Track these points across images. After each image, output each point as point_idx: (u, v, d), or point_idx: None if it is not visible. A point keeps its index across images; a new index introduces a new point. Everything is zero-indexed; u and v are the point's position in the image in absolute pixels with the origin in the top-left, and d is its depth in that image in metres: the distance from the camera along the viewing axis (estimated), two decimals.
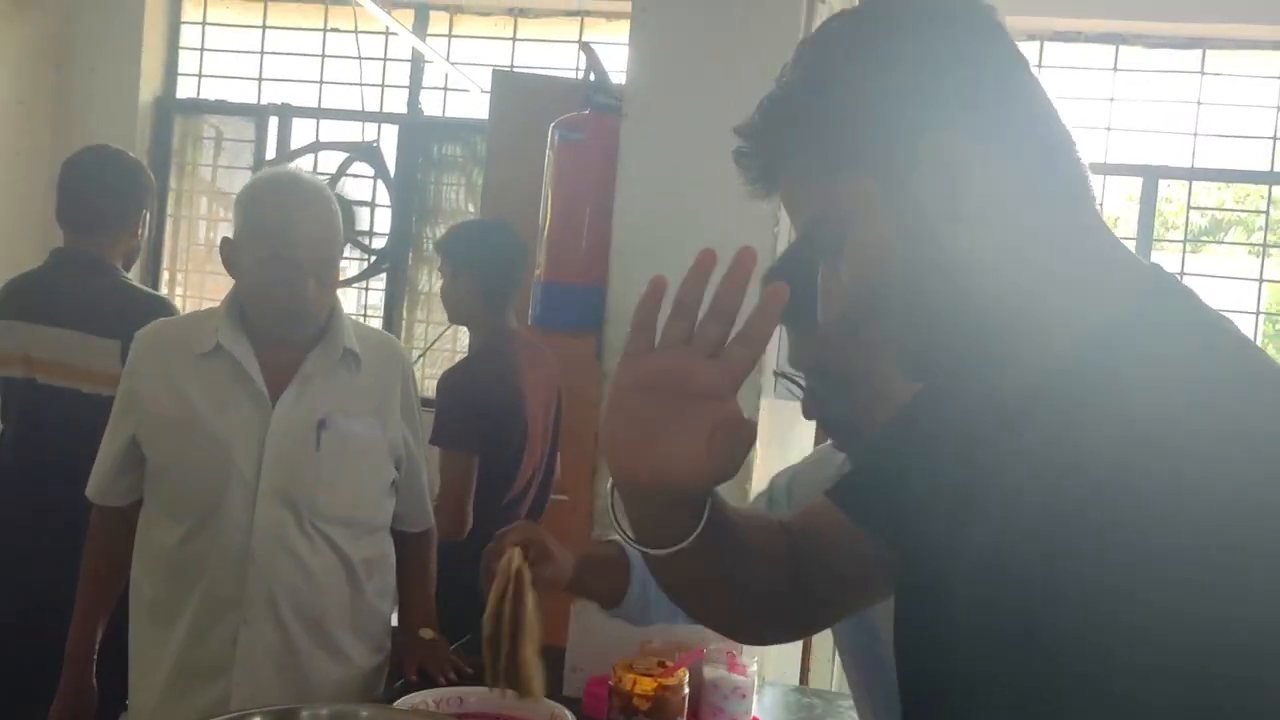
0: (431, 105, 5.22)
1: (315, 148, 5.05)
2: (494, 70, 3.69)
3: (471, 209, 5.06)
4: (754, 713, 2.00)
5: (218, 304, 2.21)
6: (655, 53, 2.22)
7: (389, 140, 5.12)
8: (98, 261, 2.74)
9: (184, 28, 5.35)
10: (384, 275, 5.16)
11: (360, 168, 5.08)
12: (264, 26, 5.30)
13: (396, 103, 5.22)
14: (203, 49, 5.36)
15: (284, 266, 2.05)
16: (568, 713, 1.75)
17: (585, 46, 2.60)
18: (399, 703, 1.88)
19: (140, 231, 2.85)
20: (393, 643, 2.27)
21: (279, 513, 2.07)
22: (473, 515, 2.85)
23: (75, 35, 5.21)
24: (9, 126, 5.05)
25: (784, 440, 2.49)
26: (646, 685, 1.77)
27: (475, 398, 2.89)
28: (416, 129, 5.16)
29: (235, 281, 2.15)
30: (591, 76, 2.46)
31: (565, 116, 2.39)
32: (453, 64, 4.87)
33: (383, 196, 5.12)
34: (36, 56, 5.12)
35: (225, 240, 2.15)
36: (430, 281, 5.14)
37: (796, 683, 2.78)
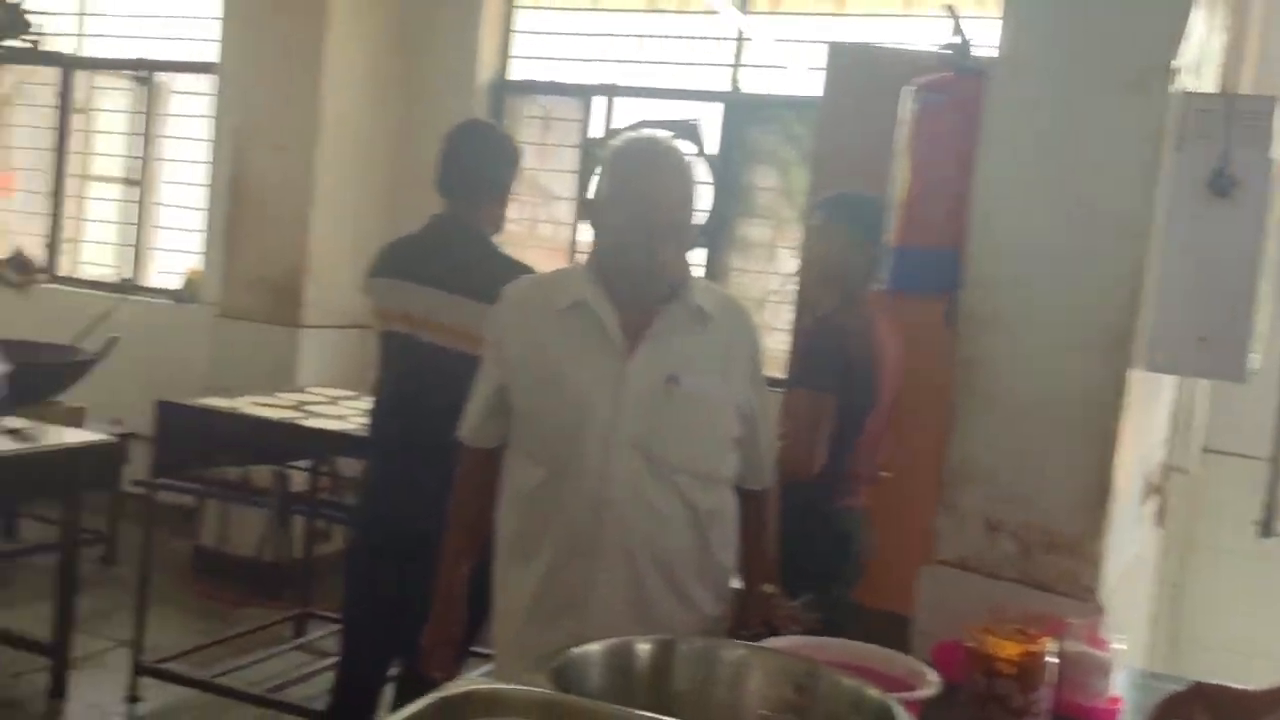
0: (752, 83, 5.26)
1: (637, 126, 5.19)
2: (831, 44, 3.69)
3: (787, 184, 5.08)
4: (1114, 691, 1.93)
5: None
6: (1030, 8, 2.16)
7: (711, 118, 5.20)
8: (470, 226, 2.93)
9: (517, 12, 5.62)
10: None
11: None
12: (592, 9, 5.49)
13: (719, 81, 5.30)
14: (533, 32, 5.61)
15: (643, 228, 2.14)
16: (926, 668, 1.74)
17: (950, 9, 2.57)
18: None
19: (496, 203, 3.01)
20: (735, 596, 2.32)
21: (634, 461, 2.15)
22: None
23: (420, 20, 5.57)
24: (362, 107, 5.46)
25: (1148, 411, 2.38)
26: (1011, 649, 1.73)
27: (839, 345, 2.93)
28: (737, 106, 5.22)
29: (596, 240, 2.25)
30: (958, 39, 2.44)
31: (927, 79, 2.37)
32: (776, 41, 4.91)
33: (702, 174, 5.21)
34: (386, 41, 5.51)
35: (588, 200, 2.25)
36: (744, 258, 5.21)
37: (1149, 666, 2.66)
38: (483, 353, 2.35)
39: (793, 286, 4.68)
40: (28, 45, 6.53)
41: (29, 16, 6.46)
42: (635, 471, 2.16)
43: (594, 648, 1.74)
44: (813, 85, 4.19)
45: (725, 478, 2.27)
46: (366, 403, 4.65)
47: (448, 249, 2.91)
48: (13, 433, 3.82)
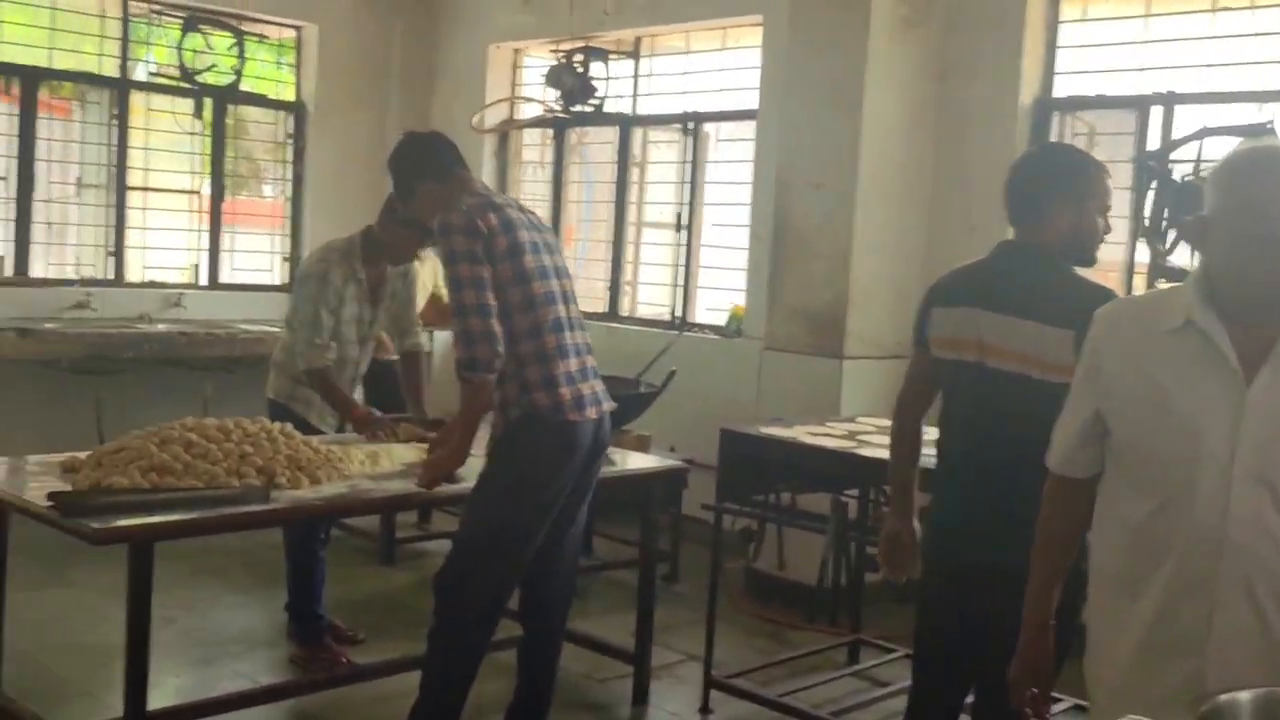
0: None
1: (1201, 134, 4.82)
2: None
3: None
4: None
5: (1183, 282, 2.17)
6: None
7: None
8: (1041, 251, 2.85)
9: (1061, 26, 5.42)
10: None
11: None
12: (1147, 15, 5.18)
13: None
14: (1083, 46, 5.38)
15: (1262, 244, 1.97)
16: None
17: None
18: None
19: (1060, 223, 2.88)
20: None
21: (1256, 495, 1.99)
22: None
23: (958, 47, 5.53)
24: (899, 139, 5.51)
25: None
26: None
27: None
28: None
29: (1206, 258, 2.10)
30: None
31: None
32: None
33: None
34: (923, 71, 5.53)
35: (1197, 218, 2.10)
36: None
37: None
38: (1072, 378, 2.26)
39: None
40: (592, 109, 7.27)
41: (594, 83, 7.19)
42: (1257, 506, 1.99)
43: (1243, 696, 1.61)
44: None
45: None
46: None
47: (1022, 274, 2.85)
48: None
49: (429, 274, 6.16)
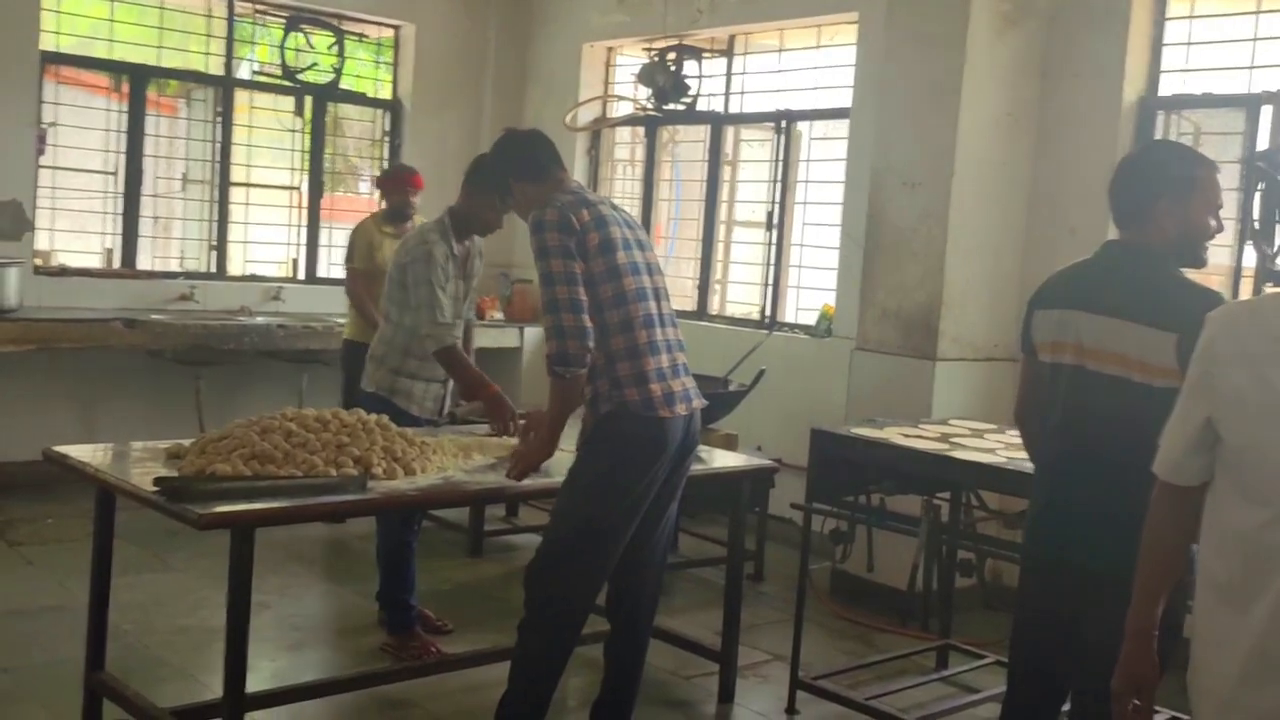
0: None
1: None
2: None
3: None
4: None
5: None
6: None
7: None
8: (1147, 253, 2.79)
9: (1168, 23, 5.29)
10: None
11: None
12: (1257, 11, 5.03)
13: None
14: (1189, 43, 5.25)
15: None
16: None
17: None
18: None
19: (1167, 224, 2.81)
20: None
21: None
22: None
23: (1060, 44, 5.43)
24: (997, 138, 5.42)
25: None
26: None
27: None
28: None
29: None
30: None
31: None
32: None
33: None
34: (1023, 69, 5.43)
35: None
36: None
37: None
38: (1173, 382, 2.21)
39: None
40: (684, 107, 7.27)
41: (687, 81, 7.19)
42: None
43: None
44: None
45: None
46: (1010, 435, 4.61)
47: (1126, 276, 2.79)
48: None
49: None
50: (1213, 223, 2.82)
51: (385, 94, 8.12)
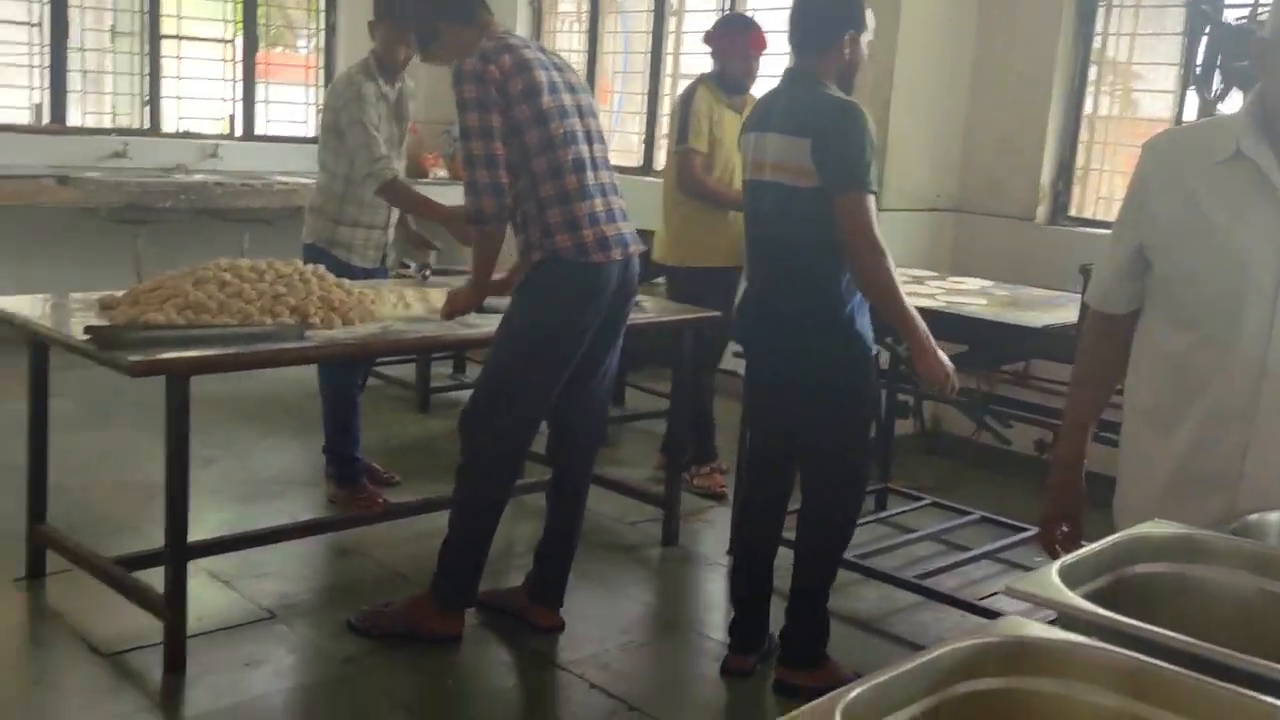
0: None
1: None
2: None
3: None
4: None
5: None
6: None
7: None
8: (812, 77, 3.14)
9: None
10: None
11: None
12: None
13: None
14: None
15: None
16: None
17: None
18: None
19: (843, 54, 3.13)
20: None
21: None
22: None
23: None
24: None
25: None
26: None
27: None
28: None
29: (1262, 85, 2.02)
30: None
31: None
32: None
33: None
34: None
35: (1256, 40, 2.02)
36: None
37: None
38: (1119, 212, 2.22)
39: None
40: None
41: None
42: None
43: (1272, 516, 1.60)
44: None
45: None
46: (950, 283, 4.64)
47: (790, 97, 3.16)
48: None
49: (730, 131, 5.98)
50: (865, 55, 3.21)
51: None
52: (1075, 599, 1.09)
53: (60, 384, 3.75)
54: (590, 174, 3.33)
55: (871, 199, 3.02)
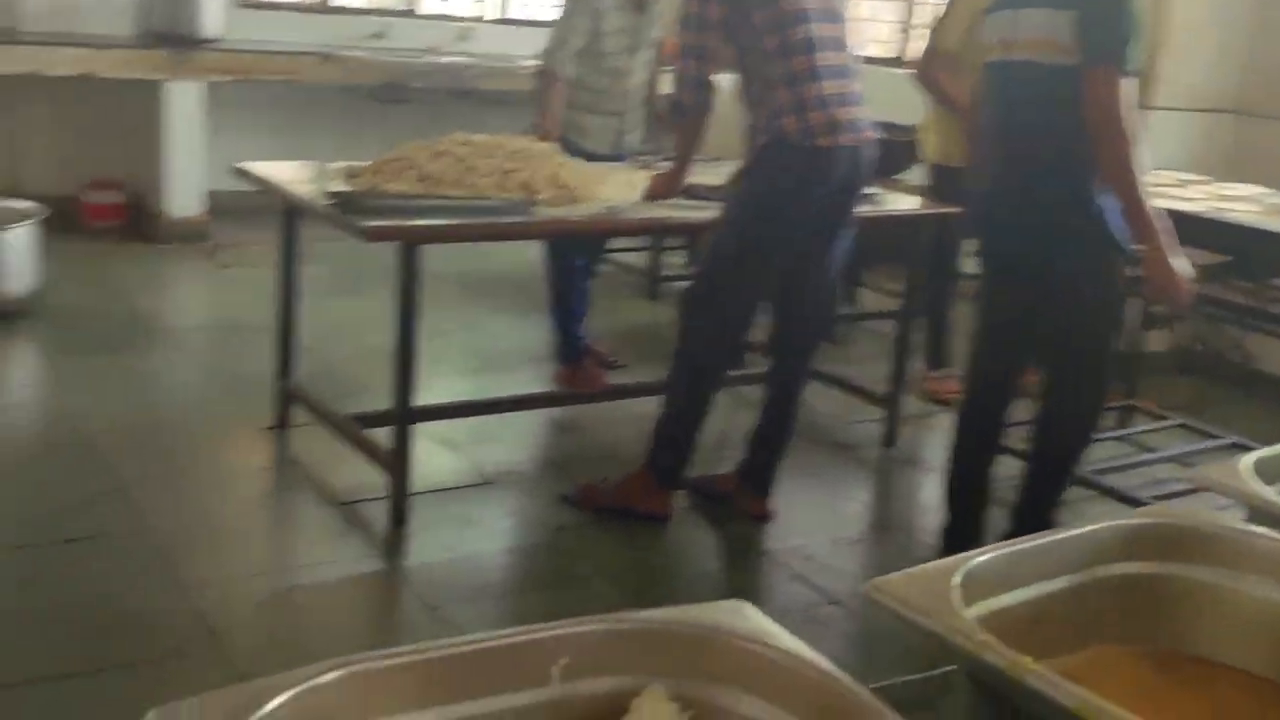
0: None
1: None
2: None
3: None
4: None
5: None
6: None
7: None
8: None
9: None
10: None
11: None
12: None
13: None
14: None
15: None
16: None
17: None
18: None
19: None
20: None
21: None
22: None
23: None
24: None
25: None
26: None
27: None
28: None
29: None
30: None
31: None
32: None
33: None
34: None
35: None
36: None
37: None
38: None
39: None
40: None
41: None
42: None
43: None
44: None
45: None
46: (1215, 188, 4.28)
47: None
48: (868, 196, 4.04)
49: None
50: None
51: None
52: (1268, 490, 0.97)
53: (320, 252, 3.95)
54: (819, 55, 3.19)
55: (1126, 81, 2.78)
